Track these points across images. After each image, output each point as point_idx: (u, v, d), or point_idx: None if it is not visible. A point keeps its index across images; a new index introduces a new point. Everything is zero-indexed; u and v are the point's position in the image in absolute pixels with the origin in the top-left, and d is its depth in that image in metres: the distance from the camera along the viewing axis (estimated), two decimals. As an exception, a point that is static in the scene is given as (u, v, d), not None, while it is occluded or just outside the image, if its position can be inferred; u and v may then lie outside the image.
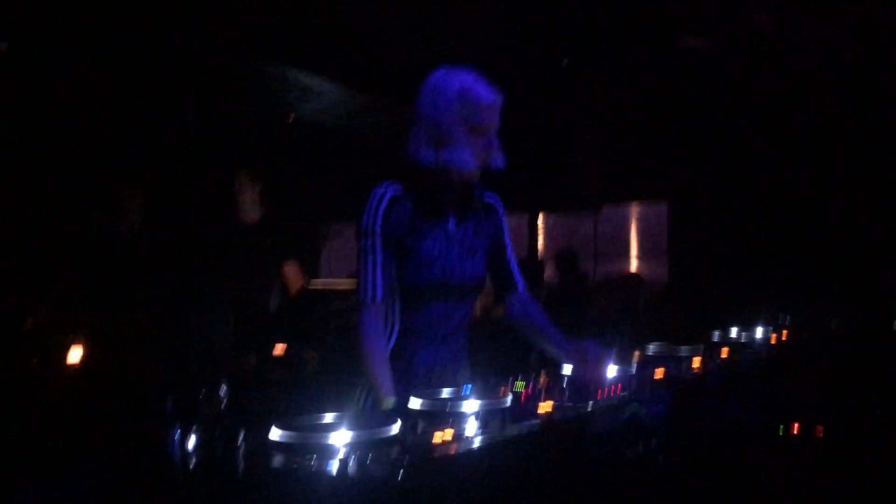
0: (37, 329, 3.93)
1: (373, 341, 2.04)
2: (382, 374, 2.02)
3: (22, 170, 4.66)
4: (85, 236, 4.07)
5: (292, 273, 4.56)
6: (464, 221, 2.16)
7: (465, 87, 2.09)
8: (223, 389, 1.32)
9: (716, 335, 2.96)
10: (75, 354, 3.91)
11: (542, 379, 2.06)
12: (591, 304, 5.64)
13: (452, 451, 1.41)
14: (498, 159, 2.18)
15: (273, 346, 4.80)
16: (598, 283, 5.92)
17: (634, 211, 8.28)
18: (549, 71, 3.66)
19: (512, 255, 2.35)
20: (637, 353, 2.30)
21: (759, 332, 3.05)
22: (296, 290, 4.57)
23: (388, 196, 2.10)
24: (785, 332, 3.15)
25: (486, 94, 2.09)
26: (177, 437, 1.31)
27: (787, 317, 3.56)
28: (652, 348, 2.53)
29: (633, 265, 8.62)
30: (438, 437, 1.45)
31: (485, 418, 1.56)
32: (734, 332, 3.06)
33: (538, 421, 1.58)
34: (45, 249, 4.33)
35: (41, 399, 3.60)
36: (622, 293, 5.46)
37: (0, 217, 4.50)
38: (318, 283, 6.53)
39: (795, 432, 2.08)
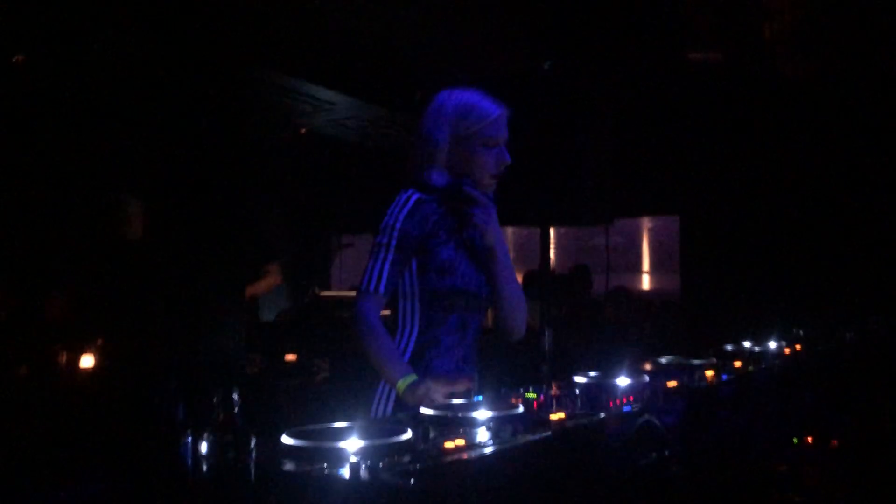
0: (48, 335, 3.96)
1: (376, 327, 2.03)
2: (394, 357, 2.02)
3: (31, 178, 4.70)
4: (96, 244, 4.09)
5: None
6: (475, 211, 2.16)
7: (472, 103, 2.15)
8: (236, 395, 1.33)
9: (729, 347, 2.95)
10: (87, 360, 3.94)
11: (554, 388, 2.06)
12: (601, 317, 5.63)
13: (464, 458, 1.40)
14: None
15: (283, 354, 4.83)
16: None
17: (646, 224, 8.28)
18: (561, 84, 3.66)
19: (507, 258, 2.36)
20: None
21: (772, 345, 3.03)
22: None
23: (413, 198, 2.11)
24: (798, 344, 3.13)
25: (493, 108, 2.15)
26: (188, 441, 1.31)
27: (801, 329, 3.55)
28: (665, 360, 2.52)
29: (645, 278, 8.60)
30: (450, 444, 1.45)
31: (497, 427, 1.56)
32: (747, 344, 3.05)
33: (550, 429, 1.57)
34: (56, 256, 4.36)
35: (53, 405, 3.61)
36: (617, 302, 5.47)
37: (10, 224, 4.53)
38: (330, 293, 6.56)
39: (809, 444, 2.06)
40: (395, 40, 5.16)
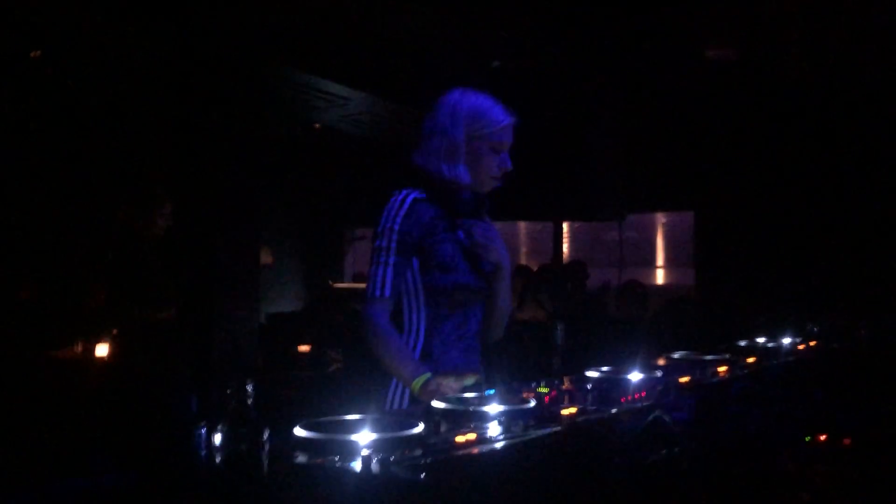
0: (67, 324, 4.00)
1: (387, 330, 2.09)
2: (406, 357, 2.07)
3: (55, 173, 4.76)
4: (115, 236, 4.13)
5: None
6: (476, 230, 2.19)
7: (485, 108, 2.21)
8: (250, 386, 1.34)
9: (742, 343, 2.93)
10: (103, 349, 3.98)
11: (566, 383, 2.06)
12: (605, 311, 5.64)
13: (475, 452, 1.41)
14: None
15: (297, 346, 4.86)
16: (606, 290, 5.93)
17: (661, 219, 8.25)
18: (574, 80, 3.66)
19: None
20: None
21: (786, 341, 3.01)
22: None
23: (409, 199, 2.13)
24: (812, 340, 3.11)
25: (504, 116, 2.21)
26: (202, 433, 1.32)
27: (815, 326, 3.52)
28: (677, 355, 2.52)
29: (659, 273, 8.58)
30: (461, 438, 1.45)
31: (508, 421, 1.56)
32: (761, 339, 3.03)
33: (561, 424, 1.57)
34: (76, 248, 4.41)
35: (69, 393, 3.65)
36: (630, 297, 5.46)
37: (31, 218, 4.58)
38: (343, 285, 6.60)
39: (821, 442, 2.05)
40: (407, 36, 5.15)
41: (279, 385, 4.28)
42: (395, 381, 2.13)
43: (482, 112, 2.19)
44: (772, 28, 5.05)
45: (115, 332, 4.08)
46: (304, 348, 4.84)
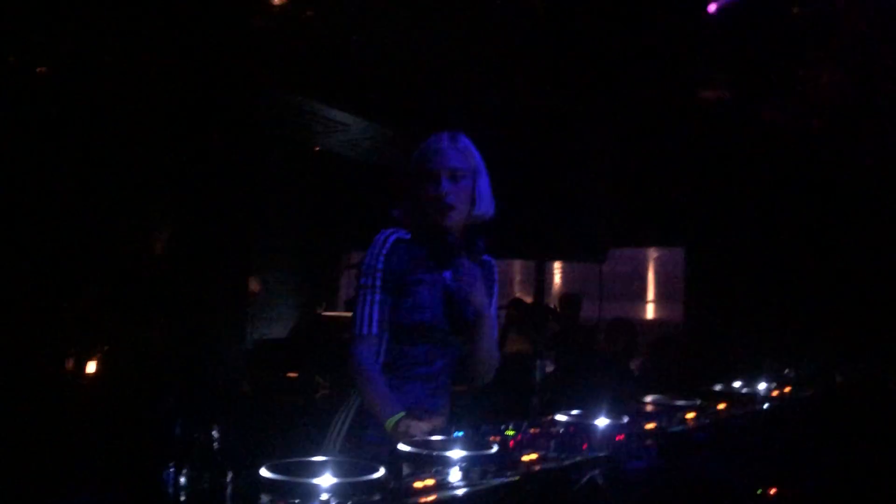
0: (59, 339, 4.04)
1: (370, 369, 2.16)
2: (386, 396, 2.12)
3: (56, 195, 4.82)
4: (113, 258, 4.19)
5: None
6: (460, 273, 2.21)
7: (427, 140, 2.24)
8: (216, 431, 1.39)
9: (718, 387, 2.98)
10: (92, 366, 4.02)
11: (533, 427, 2.10)
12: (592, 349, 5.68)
13: (431, 499, 1.46)
14: (483, 206, 2.28)
15: (285, 372, 4.91)
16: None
17: (652, 254, 8.29)
18: (568, 113, 3.74)
19: (494, 316, 2.40)
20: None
21: (761, 386, 3.06)
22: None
23: (392, 238, 2.21)
24: (788, 386, 3.16)
25: (439, 141, 2.23)
26: (170, 473, 1.38)
27: (794, 370, 3.57)
28: (650, 398, 2.57)
29: (650, 308, 8.61)
30: (419, 483, 1.51)
31: (468, 467, 1.61)
32: (737, 384, 3.08)
33: (518, 473, 1.63)
34: (73, 267, 4.46)
35: (53, 410, 3.68)
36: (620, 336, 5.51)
37: (32, 235, 4.64)
38: (330, 314, 6.65)
39: (772, 496, 2.10)
40: (407, 63, 5.24)
41: (266, 411, 4.32)
42: (337, 416, 2.20)
43: (422, 145, 2.24)
44: (762, 68, 5.14)
45: (105, 349, 4.13)
46: (291, 374, 4.89)
